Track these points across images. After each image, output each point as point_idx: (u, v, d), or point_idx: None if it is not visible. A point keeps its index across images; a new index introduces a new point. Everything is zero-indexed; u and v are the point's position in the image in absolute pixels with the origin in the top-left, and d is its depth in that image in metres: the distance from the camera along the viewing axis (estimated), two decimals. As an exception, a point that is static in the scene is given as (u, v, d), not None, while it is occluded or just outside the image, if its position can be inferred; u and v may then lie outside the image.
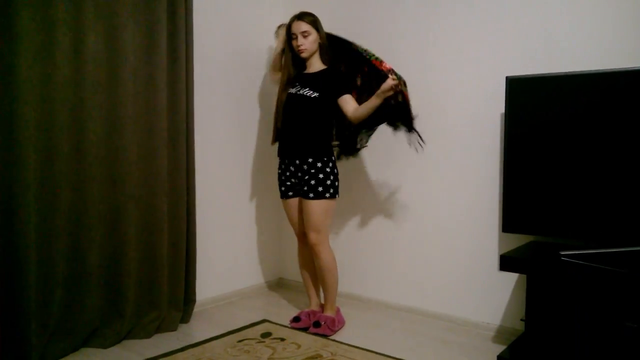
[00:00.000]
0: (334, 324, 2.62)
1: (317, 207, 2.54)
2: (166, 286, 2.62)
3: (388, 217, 3.02)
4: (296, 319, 2.70)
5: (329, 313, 2.68)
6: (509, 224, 2.32)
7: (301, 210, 2.66)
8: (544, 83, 2.20)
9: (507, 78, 2.29)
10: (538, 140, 2.22)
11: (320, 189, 2.53)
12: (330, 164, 2.57)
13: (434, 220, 2.83)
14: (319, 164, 2.54)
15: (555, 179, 2.19)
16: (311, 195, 2.53)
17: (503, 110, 2.56)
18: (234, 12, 3.13)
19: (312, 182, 2.53)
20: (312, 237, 2.57)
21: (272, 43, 3.38)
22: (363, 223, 3.13)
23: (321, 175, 2.53)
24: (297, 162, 2.57)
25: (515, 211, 2.29)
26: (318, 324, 2.60)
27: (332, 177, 2.56)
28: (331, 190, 2.55)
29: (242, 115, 3.20)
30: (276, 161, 2.81)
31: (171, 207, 2.64)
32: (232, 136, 3.16)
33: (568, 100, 2.15)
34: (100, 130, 2.36)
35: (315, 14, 2.64)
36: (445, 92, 2.75)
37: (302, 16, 2.58)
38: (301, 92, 2.58)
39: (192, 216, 2.75)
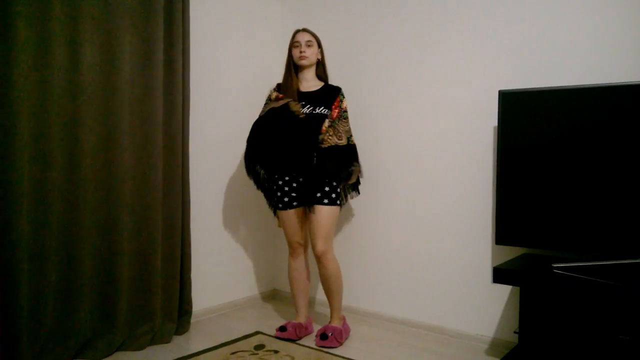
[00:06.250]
0: (342, 336, 2.63)
1: (328, 213, 2.61)
2: (160, 298, 2.61)
3: (380, 230, 3.02)
4: (282, 329, 2.67)
5: (335, 323, 2.69)
6: (502, 236, 2.33)
7: (304, 220, 2.71)
8: (537, 97, 2.23)
9: (499, 92, 2.32)
10: (531, 154, 2.25)
11: (333, 195, 2.62)
12: None
13: (426, 232, 2.84)
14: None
15: (548, 192, 2.21)
16: (325, 201, 2.60)
17: (496, 123, 2.58)
18: (231, 20, 3.15)
19: (327, 188, 2.61)
20: (321, 245, 2.59)
21: (269, 51, 3.41)
22: (355, 236, 3.13)
23: (334, 183, 2.64)
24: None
25: (508, 223, 2.31)
26: (325, 336, 2.58)
27: (339, 187, 2.69)
28: (342, 198, 2.70)
29: (238, 125, 3.20)
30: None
31: (166, 217, 2.64)
32: (228, 147, 3.16)
33: (560, 114, 2.18)
34: (95, 141, 2.37)
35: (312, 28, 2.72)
36: (438, 105, 2.78)
37: (307, 29, 2.75)
38: (317, 110, 2.65)
39: (186, 227, 2.75)
